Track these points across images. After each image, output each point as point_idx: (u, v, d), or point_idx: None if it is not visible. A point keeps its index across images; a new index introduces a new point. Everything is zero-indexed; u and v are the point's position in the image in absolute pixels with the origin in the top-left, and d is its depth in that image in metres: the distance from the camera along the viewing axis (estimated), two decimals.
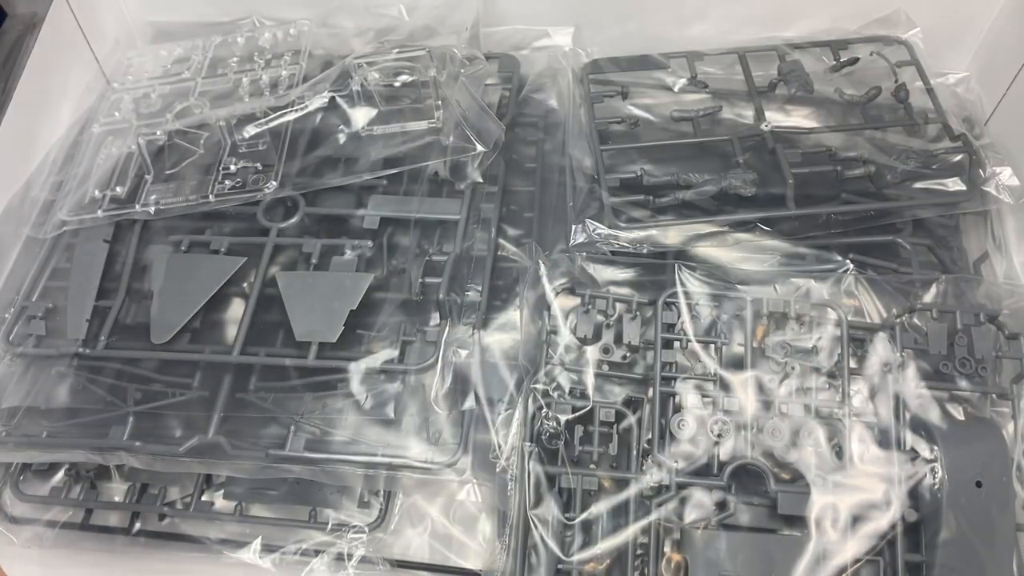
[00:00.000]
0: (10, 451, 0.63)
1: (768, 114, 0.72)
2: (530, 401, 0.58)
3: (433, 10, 0.77)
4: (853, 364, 0.58)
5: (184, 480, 0.64)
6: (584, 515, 0.56)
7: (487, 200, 0.70)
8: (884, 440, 0.56)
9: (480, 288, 0.65)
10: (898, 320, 0.60)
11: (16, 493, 0.64)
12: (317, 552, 0.60)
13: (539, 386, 0.58)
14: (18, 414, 0.64)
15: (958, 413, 0.58)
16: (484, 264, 0.66)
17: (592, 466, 0.57)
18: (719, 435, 0.56)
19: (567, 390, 0.59)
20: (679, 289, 0.60)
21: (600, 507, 0.56)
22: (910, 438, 0.56)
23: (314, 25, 0.79)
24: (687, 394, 0.57)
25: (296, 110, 0.72)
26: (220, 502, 0.63)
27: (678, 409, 0.57)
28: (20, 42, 0.72)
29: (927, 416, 0.56)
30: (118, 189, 0.71)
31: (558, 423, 0.57)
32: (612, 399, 0.59)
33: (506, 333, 0.64)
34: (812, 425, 0.56)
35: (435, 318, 0.64)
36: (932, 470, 0.54)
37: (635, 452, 0.57)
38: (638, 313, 0.60)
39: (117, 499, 0.64)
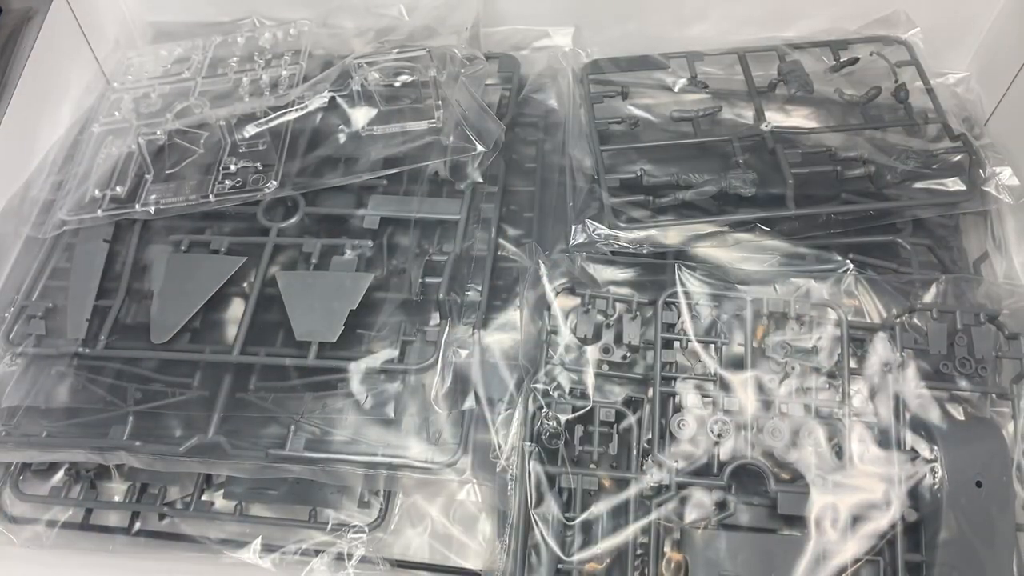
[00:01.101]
0: (10, 451, 0.63)
1: (768, 114, 0.72)
2: (530, 401, 0.58)
3: (433, 10, 0.77)
4: (853, 364, 0.58)
5: (184, 480, 0.64)
6: (584, 515, 0.56)
7: (487, 200, 0.70)
8: (884, 440, 0.56)
9: (480, 288, 0.65)
10: (898, 320, 0.60)
11: (16, 493, 0.64)
12: (317, 552, 0.60)
13: (539, 386, 0.58)
14: (18, 414, 0.64)
15: (958, 413, 0.58)
16: (484, 264, 0.66)
17: (592, 466, 0.57)
18: (719, 435, 0.56)
19: (567, 390, 0.59)
20: (679, 289, 0.60)
21: (600, 507, 0.56)
22: (910, 438, 0.56)
23: (314, 25, 0.79)
24: (687, 394, 0.57)
25: (296, 110, 0.72)
26: (220, 502, 0.63)
27: (678, 409, 0.57)
28: (16, 37, 0.72)
29: (927, 416, 0.56)
30: (118, 189, 0.71)
31: (558, 423, 0.57)
32: (612, 399, 0.59)
33: (506, 333, 0.64)
34: (812, 425, 0.56)
35: (435, 318, 0.64)
36: (932, 470, 0.54)
37: (635, 452, 0.57)
38: (638, 313, 0.60)
39: (117, 499, 0.64)
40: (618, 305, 0.61)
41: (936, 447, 0.55)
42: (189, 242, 0.69)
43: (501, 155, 0.70)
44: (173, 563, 0.63)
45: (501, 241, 0.69)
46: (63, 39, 0.77)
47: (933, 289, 0.62)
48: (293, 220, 0.69)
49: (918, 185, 0.69)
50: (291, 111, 0.72)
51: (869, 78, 0.75)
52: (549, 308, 0.61)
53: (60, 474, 0.65)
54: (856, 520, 0.54)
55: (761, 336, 0.59)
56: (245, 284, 0.67)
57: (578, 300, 0.61)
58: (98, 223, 0.70)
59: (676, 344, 0.59)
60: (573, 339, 0.60)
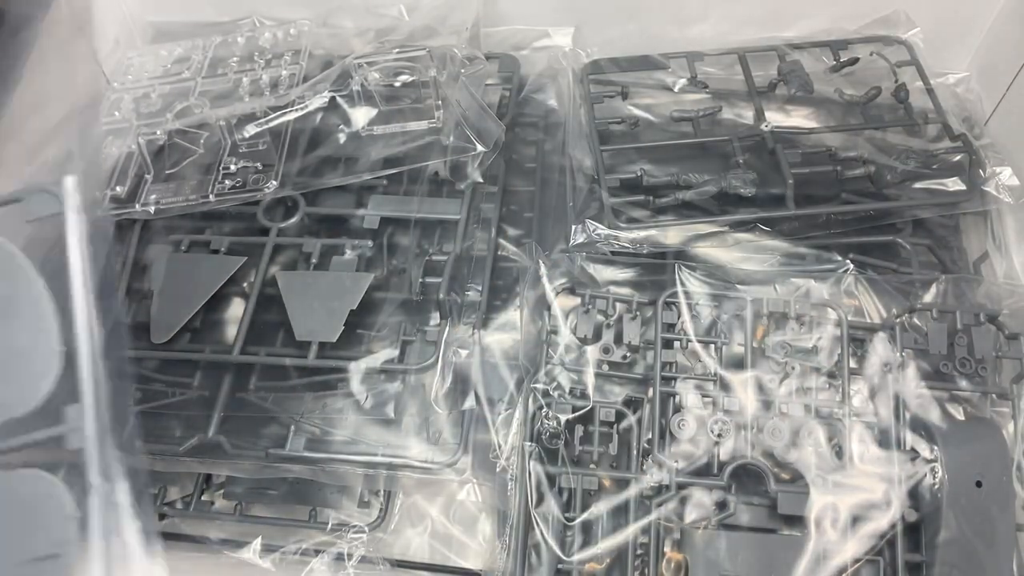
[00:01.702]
0: None
1: (768, 114, 0.72)
2: (530, 401, 0.58)
3: (433, 10, 0.77)
4: (853, 364, 0.58)
5: (184, 480, 0.64)
6: (584, 515, 0.56)
7: (487, 200, 0.70)
8: (884, 440, 0.56)
9: (480, 288, 0.65)
10: (898, 320, 0.60)
11: None
12: (317, 552, 0.60)
13: (539, 386, 0.58)
14: None
15: (958, 413, 0.58)
16: (484, 264, 0.66)
17: (592, 466, 0.57)
18: (719, 435, 0.56)
19: (567, 390, 0.59)
20: (679, 289, 0.60)
21: (600, 507, 0.56)
22: (910, 438, 0.56)
23: (314, 25, 0.79)
24: (687, 394, 0.57)
25: (296, 110, 0.72)
26: (220, 502, 0.63)
27: (678, 409, 0.57)
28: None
29: (927, 416, 0.56)
30: (118, 189, 0.71)
31: (558, 423, 0.57)
32: (612, 399, 0.59)
33: (506, 333, 0.64)
34: (812, 425, 0.56)
35: (435, 318, 0.64)
36: (932, 470, 0.54)
37: (635, 452, 0.57)
38: (638, 313, 0.60)
39: None
40: (618, 305, 0.61)
41: (936, 447, 0.55)
42: (189, 242, 0.69)
43: (501, 155, 0.70)
44: (173, 563, 0.62)
45: (501, 241, 0.69)
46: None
47: (933, 289, 0.62)
48: (293, 220, 0.69)
49: (918, 185, 0.69)
50: (291, 111, 0.72)
51: (869, 78, 0.75)
52: (549, 308, 0.61)
53: None
54: (856, 520, 0.54)
55: (761, 336, 0.59)
56: (245, 284, 0.67)
57: (578, 300, 0.61)
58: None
59: (676, 344, 0.59)
60: (573, 339, 0.60)
